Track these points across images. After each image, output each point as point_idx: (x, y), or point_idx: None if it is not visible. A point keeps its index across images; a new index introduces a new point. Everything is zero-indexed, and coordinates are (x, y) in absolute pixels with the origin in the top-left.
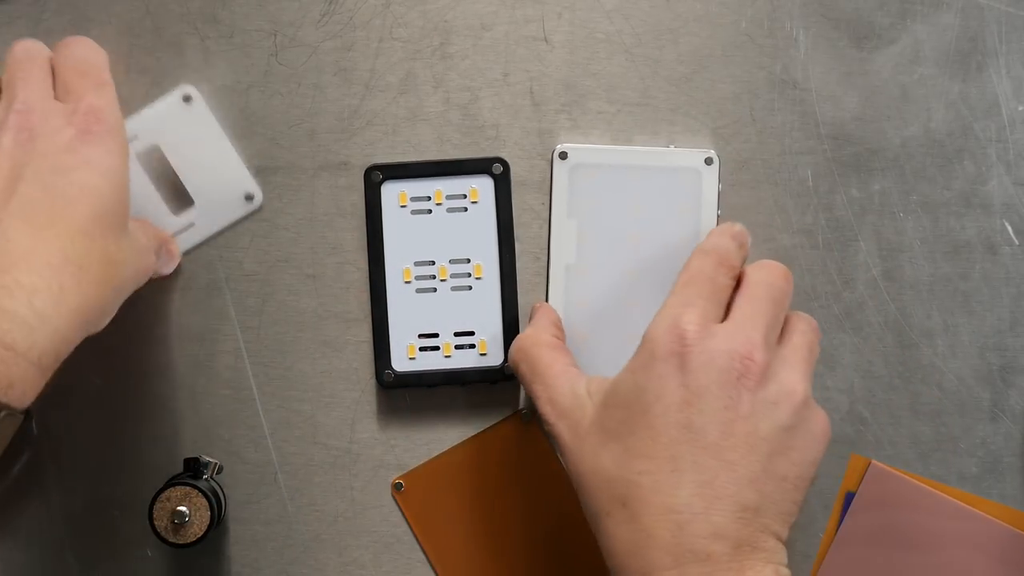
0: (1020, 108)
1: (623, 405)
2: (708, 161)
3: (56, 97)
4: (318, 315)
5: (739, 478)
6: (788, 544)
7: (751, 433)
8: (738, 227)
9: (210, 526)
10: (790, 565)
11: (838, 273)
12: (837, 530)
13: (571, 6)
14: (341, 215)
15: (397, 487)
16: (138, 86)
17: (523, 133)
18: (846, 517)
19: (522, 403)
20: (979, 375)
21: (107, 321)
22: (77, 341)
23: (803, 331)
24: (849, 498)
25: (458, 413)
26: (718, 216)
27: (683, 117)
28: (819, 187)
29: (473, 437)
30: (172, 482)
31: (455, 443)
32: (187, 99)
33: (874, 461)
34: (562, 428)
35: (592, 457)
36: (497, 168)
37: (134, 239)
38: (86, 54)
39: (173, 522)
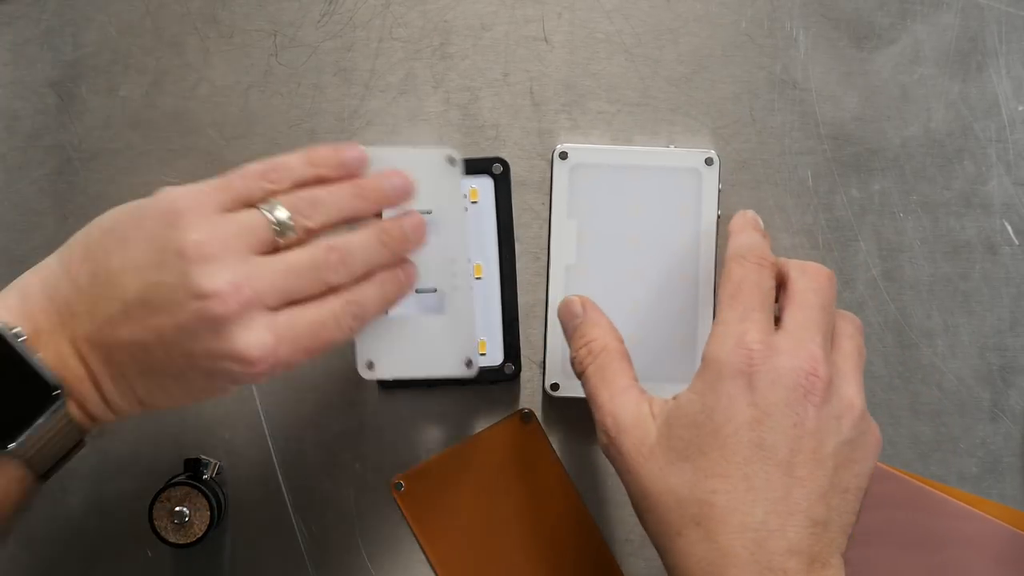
0: (1020, 108)
1: (691, 425)
2: (708, 161)
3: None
4: None
5: (810, 493)
6: None
7: (818, 448)
8: (751, 214)
9: (210, 526)
10: None
11: (838, 273)
12: None
13: (571, 6)
14: None
15: (397, 487)
16: (138, 86)
17: (523, 133)
18: None
19: (522, 403)
20: (979, 375)
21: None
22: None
23: (851, 335)
24: None
25: (458, 413)
26: (718, 216)
27: (683, 117)
28: (819, 187)
29: (473, 437)
30: (172, 482)
31: (455, 443)
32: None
33: None
34: (626, 445)
35: (660, 477)
36: (497, 168)
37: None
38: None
39: (173, 522)
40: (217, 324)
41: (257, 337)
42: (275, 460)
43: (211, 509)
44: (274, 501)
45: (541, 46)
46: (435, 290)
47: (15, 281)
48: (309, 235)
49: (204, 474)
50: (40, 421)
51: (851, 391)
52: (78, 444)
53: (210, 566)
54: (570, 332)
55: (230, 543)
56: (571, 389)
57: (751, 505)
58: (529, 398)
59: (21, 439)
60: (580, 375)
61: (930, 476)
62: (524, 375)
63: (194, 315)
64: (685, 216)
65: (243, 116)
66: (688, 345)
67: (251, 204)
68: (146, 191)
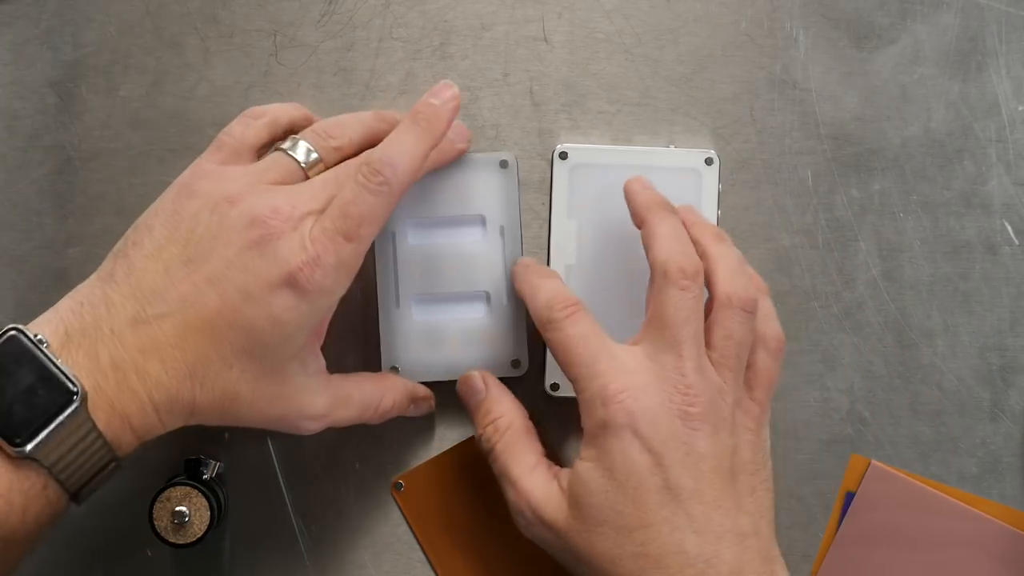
0: (1020, 108)
1: (597, 492)
2: (708, 161)
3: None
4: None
5: (728, 512)
6: (788, 544)
7: (718, 467)
8: (639, 186)
9: (210, 526)
10: (790, 565)
11: (838, 273)
12: (837, 530)
13: (571, 6)
14: None
15: (397, 487)
16: (138, 86)
17: (523, 133)
18: (846, 517)
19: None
20: (979, 375)
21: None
22: (172, 429)
23: (763, 352)
24: (849, 498)
25: (458, 413)
26: (718, 216)
27: (683, 117)
28: (819, 187)
29: (473, 437)
30: (172, 482)
31: (455, 443)
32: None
33: (874, 461)
34: (546, 522)
35: (587, 546)
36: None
37: (290, 394)
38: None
39: (173, 522)
40: (263, 245)
41: (297, 244)
42: (275, 460)
43: (211, 509)
44: (274, 501)
45: (541, 46)
46: (487, 293)
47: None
48: (340, 154)
49: (204, 474)
50: (59, 422)
51: (720, 403)
52: (111, 463)
53: (210, 566)
54: (473, 408)
55: (230, 543)
56: (571, 389)
57: (680, 543)
58: (529, 398)
59: (38, 440)
60: (488, 453)
61: (930, 476)
62: (524, 375)
63: (240, 246)
64: None
65: None
66: None
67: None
68: (146, 191)
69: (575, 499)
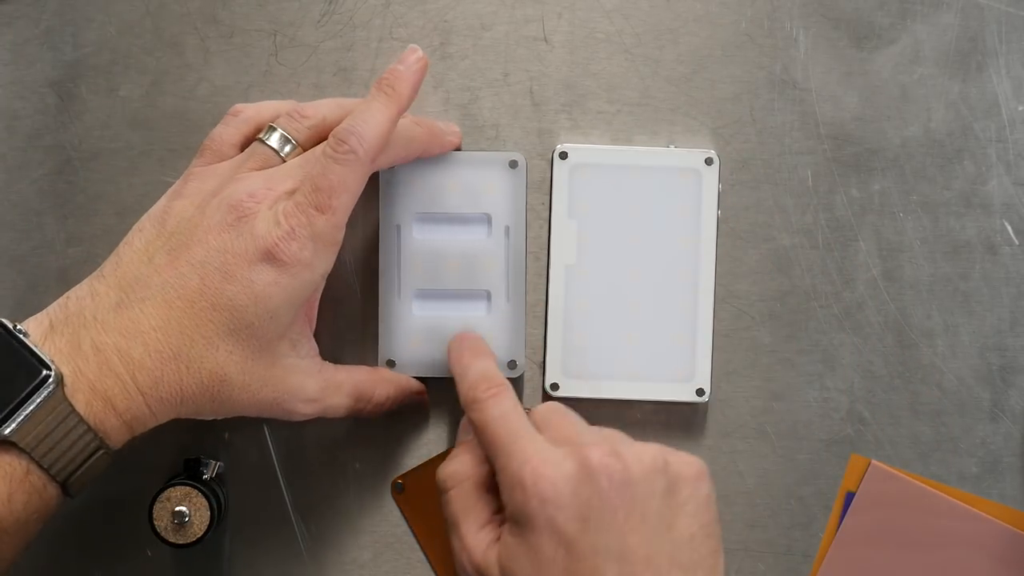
0: (1020, 108)
1: (520, 571)
2: (708, 161)
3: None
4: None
5: (659, 566)
6: (788, 544)
7: (644, 518)
8: (462, 343)
9: (210, 526)
10: (790, 565)
11: (838, 273)
12: (837, 530)
13: (571, 6)
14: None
15: (397, 487)
16: (138, 86)
17: (523, 133)
18: (846, 517)
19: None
20: (979, 375)
21: (211, 419)
22: (167, 420)
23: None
24: (849, 498)
25: (458, 413)
26: (718, 216)
27: (683, 117)
28: (819, 187)
29: (473, 437)
30: (172, 482)
31: (455, 443)
32: None
33: (874, 461)
34: None
35: None
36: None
37: (281, 376)
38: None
39: (173, 522)
40: (240, 226)
41: (272, 220)
42: (275, 460)
43: (211, 509)
44: (274, 501)
45: (541, 46)
46: (488, 292)
47: None
48: (315, 133)
49: (204, 474)
50: (37, 404)
51: (636, 449)
52: (99, 450)
53: (210, 566)
54: (458, 441)
55: (230, 543)
56: (571, 389)
57: None
58: (529, 398)
59: (15, 424)
60: (441, 494)
61: (930, 476)
62: (524, 375)
63: (219, 230)
64: (685, 216)
65: None
66: (687, 345)
67: None
68: (146, 191)
69: (504, 571)
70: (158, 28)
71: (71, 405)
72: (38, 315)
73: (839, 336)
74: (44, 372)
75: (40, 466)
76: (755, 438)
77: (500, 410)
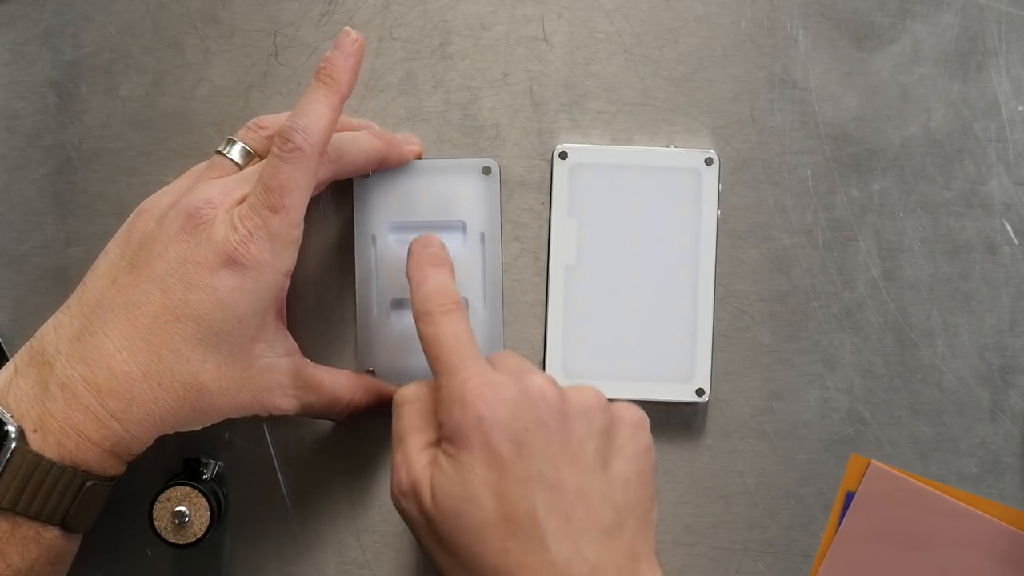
0: (1020, 108)
1: (453, 490)
2: (708, 161)
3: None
4: (317, 314)
5: (590, 501)
6: (788, 544)
7: (577, 453)
8: (424, 247)
9: (210, 526)
10: (790, 565)
11: (838, 273)
12: (837, 530)
13: (571, 6)
14: (341, 214)
15: None
16: (138, 86)
17: (523, 133)
18: (846, 517)
19: None
20: (979, 375)
21: (197, 428)
22: (152, 440)
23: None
24: (849, 498)
25: None
26: (718, 216)
27: (683, 117)
28: (819, 187)
29: None
30: (172, 482)
31: None
32: None
33: (874, 461)
34: (415, 500)
35: (448, 536)
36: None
37: (258, 375)
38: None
39: (173, 522)
40: (198, 234)
41: (228, 225)
42: (275, 460)
43: (211, 509)
44: (274, 501)
45: (541, 46)
46: (465, 299)
47: None
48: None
49: (204, 474)
50: (1, 465)
51: (580, 387)
52: (87, 484)
53: (210, 566)
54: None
55: (230, 543)
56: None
57: (541, 541)
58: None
59: None
60: (395, 407)
61: (930, 476)
62: None
63: (178, 240)
64: (685, 216)
65: (243, 116)
66: (687, 345)
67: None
68: (146, 191)
69: (436, 491)
70: (158, 28)
71: (38, 454)
72: (8, 362)
73: (839, 336)
74: (4, 428)
75: (27, 516)
76: (755, 438)
77: (451, 328)
